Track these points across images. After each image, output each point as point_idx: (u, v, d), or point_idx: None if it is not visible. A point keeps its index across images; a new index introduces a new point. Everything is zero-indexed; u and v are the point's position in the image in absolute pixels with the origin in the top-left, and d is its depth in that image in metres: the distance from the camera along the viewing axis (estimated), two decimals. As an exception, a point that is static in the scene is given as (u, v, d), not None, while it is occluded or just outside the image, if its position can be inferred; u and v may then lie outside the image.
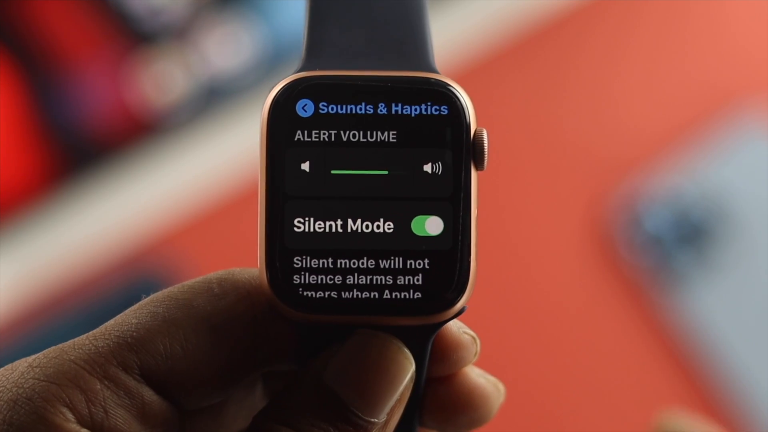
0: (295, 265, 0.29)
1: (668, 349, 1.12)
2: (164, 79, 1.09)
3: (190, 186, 1.09)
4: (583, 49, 1.18)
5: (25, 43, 1.07)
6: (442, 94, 0.29)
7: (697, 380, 1.11)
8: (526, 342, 1.09)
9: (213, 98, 1.10)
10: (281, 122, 0.29)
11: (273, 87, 0.29)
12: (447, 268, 0.29)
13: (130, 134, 1.09)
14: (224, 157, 1.09)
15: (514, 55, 1.16)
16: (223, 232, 1.08)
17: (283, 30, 1.12)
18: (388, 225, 0.29)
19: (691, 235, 1.13)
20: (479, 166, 0.30)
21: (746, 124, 1.16)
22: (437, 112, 0.29)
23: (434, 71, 0.30)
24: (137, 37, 1.09)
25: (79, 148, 1.07)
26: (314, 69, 0.30)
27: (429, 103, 0.29)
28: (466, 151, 0.29)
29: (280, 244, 0.29)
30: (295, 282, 0.29)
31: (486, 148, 0.29)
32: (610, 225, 1.14)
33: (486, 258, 1.18)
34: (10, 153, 1.06)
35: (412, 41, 0.31)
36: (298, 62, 0.31)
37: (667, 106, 1.17)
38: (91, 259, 1.06)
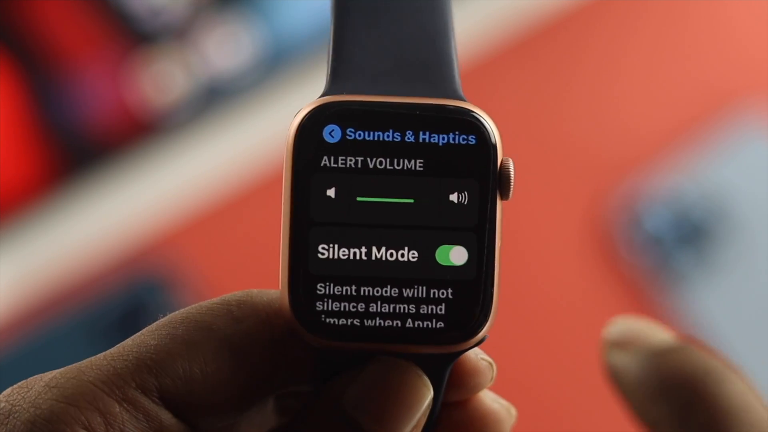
0: (318, 292, 0.29)
1: (668, 349, 1.11)
2: (164, 79, 1.09)
3: (190, 186, 1.09)
4: (584, 49, 1.18)
5: (25, 43, 1.07)
6: (470, 123, 0.29)
7: (697, 380, 1.11)
8: (526, 341, 1.09)
9: (213, 98, 1.10)
10: (307, 147, 0.29)
11: (299, 111, 0.29)
12: (470, 298, 0.29)
13: (130, 134, 1.09)
14: (224, 157, 1.09)
15: (514, 55, 1.16)
16: (223, 232, 1.08)
17: (283, 30, 1.12)
18: (413, 254, 0.29)
19: (691, 235, 1.13)
20: (504, 196, 0.30)
21: (746, 124, 1.16)
22: (465, 142, 0.29)
23: (461, 98, 0.30)
24: (137, 37, 1.09)
25: (79, 148, 1.07)
26: (340, 92, 0.30)
27: (457, 132, 0.29)
28: (492, 181, 0.29)
29: (304, 270, 0.29)
30: (317, 309, 0.29)
31: (512, 178, 0.29)
32: (610, 225, 1.14)
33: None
34: (10, 153, 1.06)
35: (438, 66, 0.31)
36: (323, 84, 0.31)
37: (668, 106, 1.17)
38: (91, 259, 1.06)
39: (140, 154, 1.08)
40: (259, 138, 1.10)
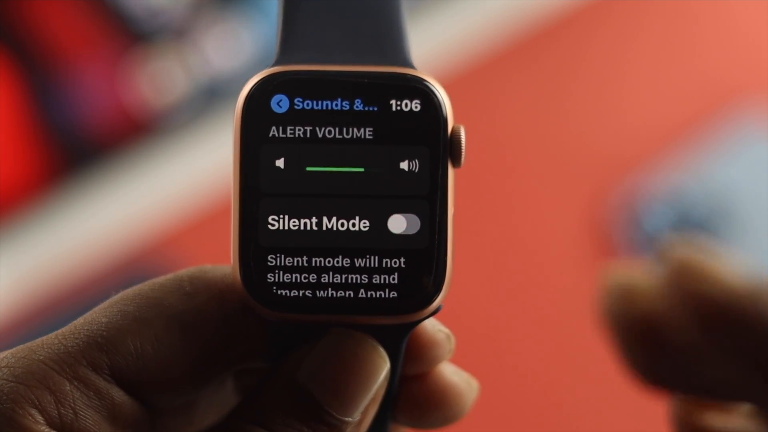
0: (269, 264, 0.29)
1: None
2: (163, 79, 1.09)
3: (190, 186, 1.08)
4: (586, 48, 1.18)
5: (25, 43, 1.07)
6: (419, 90, 0.29)
7: (698, 379, 1.11)
8: (526, 341, 1.09)
9: (213, 98, 1.09)
10: (256, 118, 0.29)
11: (247, 82, 0.29)
12: (423, 267, 0.29)
13: (129, 134, 1.08)
14: (224, 157, 1.09)
15: (516, 55, 1.16)
16: (223, 232, 1.08)
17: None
18: (364, 223, 0.29)
19: (692, 234, 1.12)
20: (456, 163, 0.29)
21: (749, 123, 1.16)
22: (414, 109, 0.29)
23: (411, 66, 0.30)
24: (136, 37, 1.08)
25: (78, 148, 1.07)
26: (289, 63, 0.30)
27: (406, 99, 0.29)
28: (443, 148, 0.29)
29: (254, 242, 0.29)
30: (269, 280, 0.28)
31: (463, 144, 0.29)
32: (610, 223, 1.14)
33: (485, 256, 1.18)
34: (10, 153, 1.06)
35: (388, 35, 0.30)
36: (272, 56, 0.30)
37: (669, 105, 1.17)
38: (91, 259, 1.06)
39: (140, 154, 1.08)
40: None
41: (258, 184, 0.29)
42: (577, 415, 1.09)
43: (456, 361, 0.32)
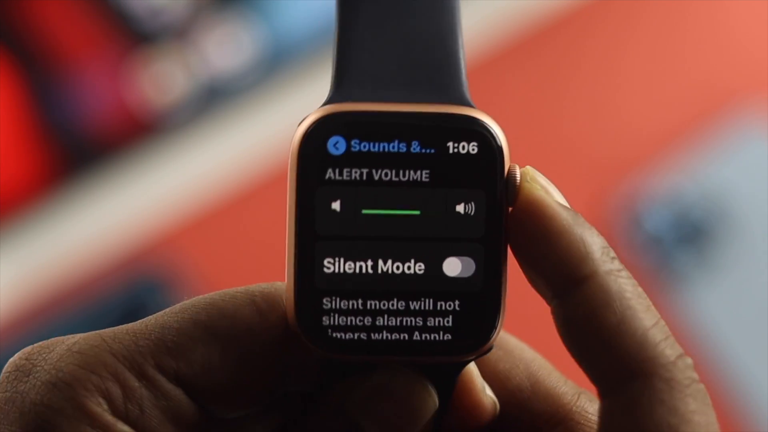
0: (324, 306, 0.28)
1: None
2: (164, 79, 1.09)
3: (190, 186, 1.09)
4: (584, 49, 1.18)
5: (25, 43, 1.07)
6: (476, 132, 0.29)
7: (697, 380, 1.11)
8: (525, 340, 1.09)
9: (213, 98, 1.10)
10: (312, 159, 0.29)
11: (302, 121, 0.29)
12: (477, 310, 0.29)
13: (130, 134, 1.09)
14: (224, 157, 1.09)
15: (514, 55, 1.16)
16: (223, 232, 1.08)
17: (283, 30, 1.12)
18: (419, 266, 0.29)
19: (691, 235, 1.13)
20: (512, 203, 0.29)
21: (746, 124, 1.16)
22: (471, 151, 0.29)
23: (468, 104, 0.29)
24: (137, 37, 1.09)
25: (79, 148, 1.07)
26: (345, 100, 0.29)
27: (463, 142, 0.29)
28: (500, 191, 0.29)
29: (310, 284, 0.29)
30: (324, 323, 0.28)
31: (519, 184, 0.29)
32: (610, 225, 1.14)
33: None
34: (10, 153, 1.06)
35: (445, 69, 0.30)
36: (323, 84, 0.30)
37: (668, 106, 1.17)
38: (91, 259, 1.06)
39: (140, 154, 1.08)
40: (259, 138, 1.10)
41: (314, 227, 0.29)
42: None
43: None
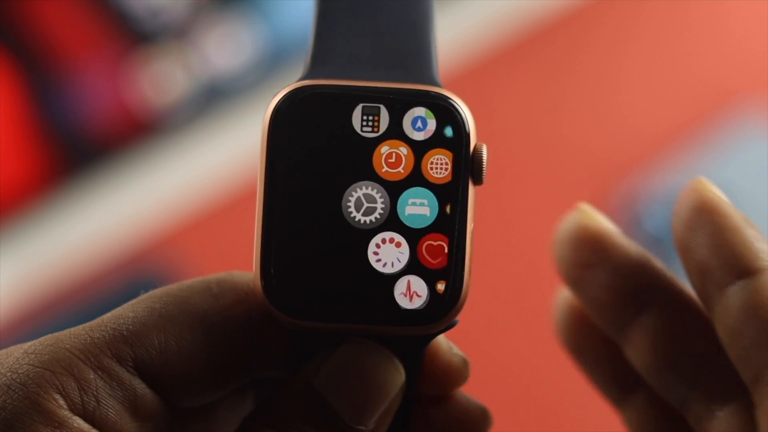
0: (291, 274, 0.29)
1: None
2: (164, 79, 1.09)
3: (190, 186, 1.09)
4: (584, 49, 1.18)
5: (25, 43, 1.07)
6: (442, 107, 0.29)
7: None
8: (526, 342, 1.09)
9: (213, 98, 1.10)
10: (283, 131, 0.29)
11: (275, 94, 0.30)
12: (440, 281, 0.29)
13: (129, 134, 1.09)
14: (224, 157, 1.09)
15: (513, 55, 1.16)
16: (223, 232, 1.08)
17: (283, 30, 1.12)
18: (395, 238, 0.29)
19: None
20: (477, 181, 0.29)
21: (747, 123, 1.16)
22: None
23: (437, 84, 0.30)
24: (137, 37, 1.09)
25: (79, 148, 1.07)
26: (318, 77, 0.30)
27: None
28: (464, 166, 0.29)
29: (276, 251, 0.29)
30: (290, 291, 0.29)
31: (485, 163, 0.29)
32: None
33: (486, 258, 1.18)
34: (10, 153, 1.06)
35: (416, 53, 0.31)
36: (302, 69, 0.31)
37: (668, 106, 1.17)
38: (91, 259, 1.06)
39: (140, 154, 1.08)
40: (259, 138, 1.09)
41: (281, 195, 0.29)
42: (577, 416, 1.10)
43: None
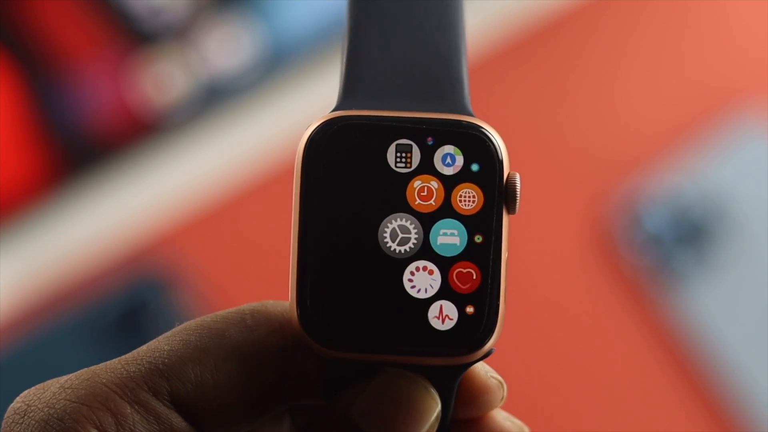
0: (326, 306, 0.29)
1: (668, 348, 1.12)
2: (164, 79, 1.09)
3: (190, 186, 1.09)
4: (583, 49, 1.18)
5: (25, 43, 1.07)
6: (474, 137, 0.29)
7: (696, 379, 1.11)
8: (527, 341, 1.09)
9: (213, 98, 1.10)
10: (316, 161, 0.29)
11: (309, 125, 0.30)
12: (477, 311, 0.29)
13: (130, 134, 1.09)
14: (224, 157, 1.09)
15: (513, 56, 1.16)
16: (223, 232, 1.08)
17: (283, 30, 1.12)
18: (428, 266, 0.29)
19: (690, 235, 1.13)
20: (511, 210, 0.30)
21: (746, 124, 1.16)
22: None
23: (469, 113, 0.30)
24: (137, 37, 1.09)
25: (79, 148, 1.08)
26: (350, 108, 0.30)
27: None
28: (498, 195, 0.29)
29: (312, 281, 0.29)
30: (326, 322, 0.29)
31: (518, 192, 0.30)
32: (610, 225, 1.14)
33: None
34: (10, 153, 1.06)
35: (448, 83, 0.31)
36: (327, 90, 0.31)
37: (667, 107, 1.17)
38: (92, 259, 1.07)
39: (140, 154, 1.08)
40: (259, 138, 1.10)
41: (316, 225, 0.29)
42: (577, 414, 1.10)
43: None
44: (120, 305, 1.04)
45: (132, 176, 1.08)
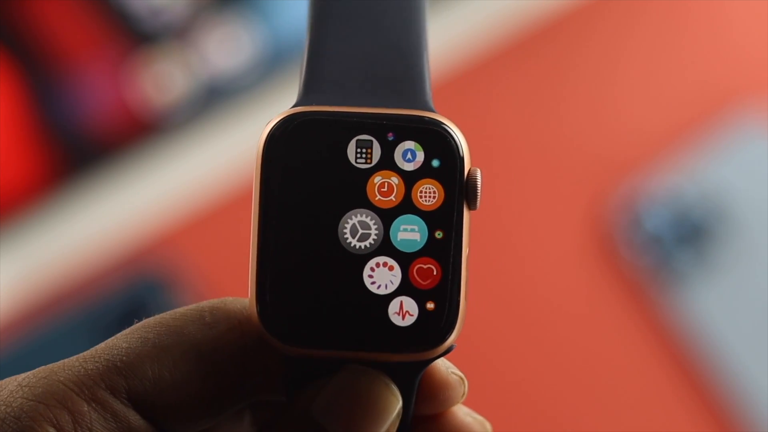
0: (285, 301, 0.29)
1: (668, 348, 1.12)
2: (164, 79, 1.09)
3: (190, 186, 1.09)
4: (583, 49, 1.18)
5: (25, 43, 1.07)
6: (435, 133, 0.29)
7: (696, 379, 1.11)
8: (527, 341, 1.09)
9: (213, 98, 1.10)
10: (275, 156, 0.29)
11: (269, 121, 0.30)
12: (437, 307, 0.29)
13: (130, 134, 1.09)
14: (224, 157, 1.09)
15: (513, 55, 1.16)
16: (223, 232, 1.08)
17: (283, 30, 1.12)
18: (388, 262, 0.29)
19: (690, 235, 1.13)
20: (472, 206, 0.30)
21: (746, 124, 1.16)
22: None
23: (430, 109, 0.30)
24: (137, 37, 1.09)
25: (79, 148, 1.08)
26: (311, 104, 0.30)
27: None
28: (459, 191, 0.29)
29: (271, 277, 0.29)
30: (285, 318, 0.29)
31: (479, 188, 0.30)
32: (610, 225, 1.14)
33: (487, 258, 1.18)
34: (10, 153, 1.06)
35: (410, 79, 0.31)
36: (295, 95, 0.31)
37: (667, 106, 1.17)
38: (91, 259, 1.07)
39: (140, 154, 1.08)
40: (258, 138, 1.09)
41: (276, 221, 0.29)
42: (576, 415, 1.10)
43: (456, 358, 0.32)
44: (120, 305, 1.04)
45: (132, 176, 1.08)
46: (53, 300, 1.06)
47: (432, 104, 0.30)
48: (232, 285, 1.05)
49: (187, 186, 1.09)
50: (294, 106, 0.30)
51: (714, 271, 1.12)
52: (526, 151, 1.13)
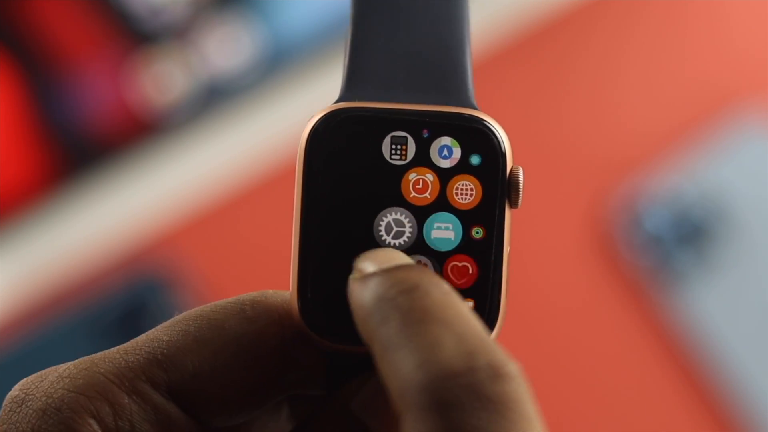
0: (327, 298, 0.29)
1: (668, 347, 1.12)
2: (164, 79, 1.09)
3: (190, 186, 1.09)
4: (583, 49, 1.18)
5: (25, 43, 1.07)
6: (475, 129, 0.29)
7: (696, 379, 1.11)
8: (527, 340, 1.09)
9: (213, 98, 1.10)
10: (319, 152, 0.29)
11: (312, 116, 0.30)
12: (477, 305, 0.29)
13: (130, 134, 1.09)
14: (224, 157, 1.09)
15: (513, 55, 1.16)
16: (223, 232, 1.08)
17: (283, 30, 1.12)
18: (422, 261, 0.29)
19: (690, 235, 1.13)
20: (514, 204, 0.30)
21: (746, 124, 1.16)
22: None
23: (472, 106, 0.30)
24: (137, 37, 1.09)
25: (79, 148, 1.08)
26: (353, 99, 0.30)
27: None
28: (500, 188, 0.29)
29: (313, 275, 0.29)
30: (326, 316, 0.29)
31: (521, 186, 0.29)
32: (610, 225, 1.14)
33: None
34: (10, 153, 1.06)
35: (452, 75, 0.31)
36: (328, 90, 0.31)
37: (667, 106, 1.17)
38: (91, 259, 1.07)
39: (140, 154, 1.08)
40: (258, 138, 1.10)
41: (318, 218, 0.29)
42: (576, 414, 1.10)
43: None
44: (120, 305, 1.04)
45: (132, 176, 1.08)
46: (53, 300, 1.06)
47: (474, 101, 0.30)
48: (232, 285, 1.05)
49: (187, 186, 1.09)
50: (337, 101, 0.30)
51: (714, 271, 1.12)
52: (527, 150, 1.13)
